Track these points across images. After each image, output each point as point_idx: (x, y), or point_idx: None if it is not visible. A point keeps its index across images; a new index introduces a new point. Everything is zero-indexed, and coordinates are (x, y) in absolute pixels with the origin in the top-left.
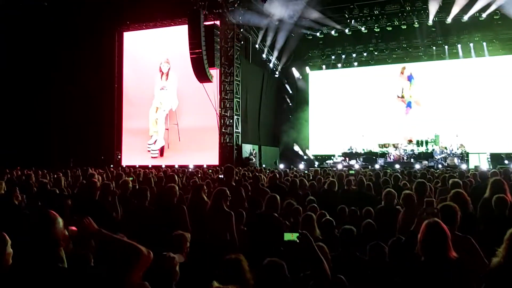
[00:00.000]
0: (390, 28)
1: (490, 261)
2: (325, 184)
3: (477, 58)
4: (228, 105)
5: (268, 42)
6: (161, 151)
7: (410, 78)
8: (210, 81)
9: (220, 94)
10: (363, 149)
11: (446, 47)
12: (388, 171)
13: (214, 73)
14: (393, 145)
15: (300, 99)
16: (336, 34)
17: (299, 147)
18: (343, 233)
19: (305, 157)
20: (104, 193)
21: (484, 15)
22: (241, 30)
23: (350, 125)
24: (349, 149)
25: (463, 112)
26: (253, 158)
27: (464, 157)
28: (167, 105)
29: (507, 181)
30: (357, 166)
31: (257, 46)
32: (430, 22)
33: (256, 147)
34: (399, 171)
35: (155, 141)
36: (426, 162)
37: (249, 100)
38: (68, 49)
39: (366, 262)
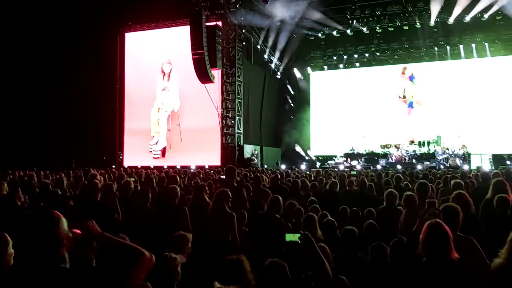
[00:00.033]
0: (392, 29)
1: (492, 262)
2: (326, 185)
3: (479, 58)
4: (230, 106)
5: (270, 43)
6: (163, 151)
7: (411, 78)
8: (212, 82)
9: (222, 95)
10: (365, 150)
11: (448, 47)
12: (390, 171)
13: (216, 73)
14: (395, 145)
15: (302, 99)
16: (338, 35)
17: (300, 147)
18: (345, 233)
19: (306, 157)
20: (106, 194)
21: (486, 15)
22: (243, 30)
23: (351, 125)
24: (350, 150)
25: (465, 112)
26: (255, 159)
27: (466, 157)
28: (169, 105)
29: (509, 182)
30: (358, 167)
31: (258, 46)
32: (432, 22)
33: (258, 147)
34: (401, 171)
35: (157, 141)
36: (428, 162)
37: (251, 101)
38: (68, 49)
39: (368, 263)
